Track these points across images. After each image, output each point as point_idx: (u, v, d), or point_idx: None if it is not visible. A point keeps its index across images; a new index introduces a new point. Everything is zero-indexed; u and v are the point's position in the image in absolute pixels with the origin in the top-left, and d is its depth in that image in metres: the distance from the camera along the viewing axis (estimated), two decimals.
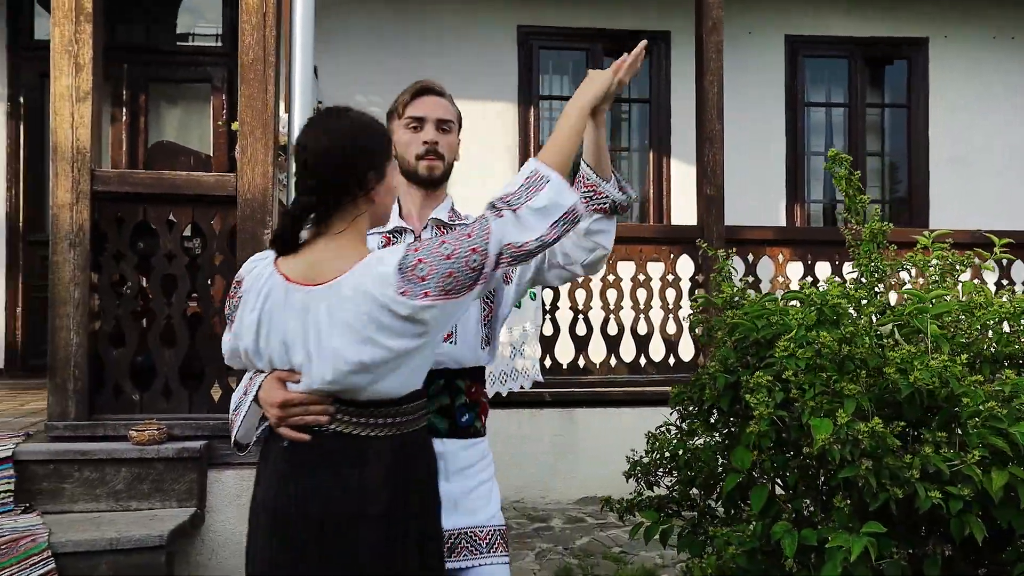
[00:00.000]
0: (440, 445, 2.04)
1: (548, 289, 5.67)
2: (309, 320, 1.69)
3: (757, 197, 7.11)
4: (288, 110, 3.71)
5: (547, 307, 5.65)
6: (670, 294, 5.71)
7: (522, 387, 5.61)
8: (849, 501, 1.83)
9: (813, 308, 1.89)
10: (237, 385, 1.90)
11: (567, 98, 7.14)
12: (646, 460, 2.72)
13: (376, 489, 1.71)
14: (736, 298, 2.39)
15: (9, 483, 3.28)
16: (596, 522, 5.23)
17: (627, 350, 5.67)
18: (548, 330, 5.66)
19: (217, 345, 2.15)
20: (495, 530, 2.11)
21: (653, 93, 7.27)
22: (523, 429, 5.57)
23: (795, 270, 5.89)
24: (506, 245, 1.73)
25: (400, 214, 2.15)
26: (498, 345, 2.29)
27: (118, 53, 6.51)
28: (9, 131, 6.57)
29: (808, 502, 2.04)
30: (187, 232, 3.82)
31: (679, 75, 7.10)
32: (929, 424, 1.96)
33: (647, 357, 5.65)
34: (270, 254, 1.81)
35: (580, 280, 5.67)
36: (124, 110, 6.64)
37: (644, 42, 2.08)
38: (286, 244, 1.76)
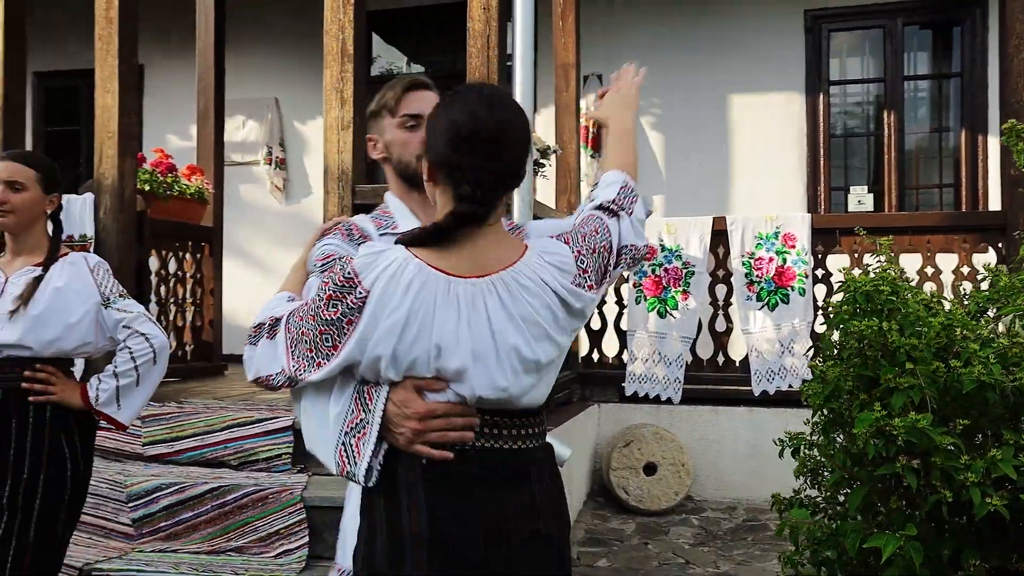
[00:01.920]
0: None
1: (821, 284, 5.41)
2: (477, 316, 1.49)
3: None
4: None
5: (818, 302, 5.39)
6: (966, 289, 5.14)
7: (790, 386, 5.41)
8: (905, 502, 1.70)
9: (848, 296, 1.77)
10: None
11: (862, 81, 6.72)
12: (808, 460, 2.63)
13: (545, 506, 1.57)
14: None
15: (288, 447, 4.00)
16: None
17: None
18: (821, 326, 5.39)
19: None
20: None
21: (965, 66, 6.53)
22: (789, 428, 5.36)
23: None
24: (628, 246, 1.68)
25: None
26: None
27: (435, 82, 7.39)
28: None
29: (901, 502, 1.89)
30: None
31: (996, 45, 6.30)
32: None
33: None
34: (389, 248, 1.54)
35: (857, 273, 5.32)
36: None
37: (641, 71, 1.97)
38: (441, 237, 1.53)
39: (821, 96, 6.72)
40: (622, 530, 4.94)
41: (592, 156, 6.92)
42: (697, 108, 6.88)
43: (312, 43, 7.89)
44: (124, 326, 2.66)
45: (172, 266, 5.83)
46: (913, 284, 5.14)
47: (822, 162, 6.73)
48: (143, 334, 2.67)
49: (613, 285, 5.74)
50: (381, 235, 1.85)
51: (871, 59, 6.83)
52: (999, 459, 1.61)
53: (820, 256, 5.44)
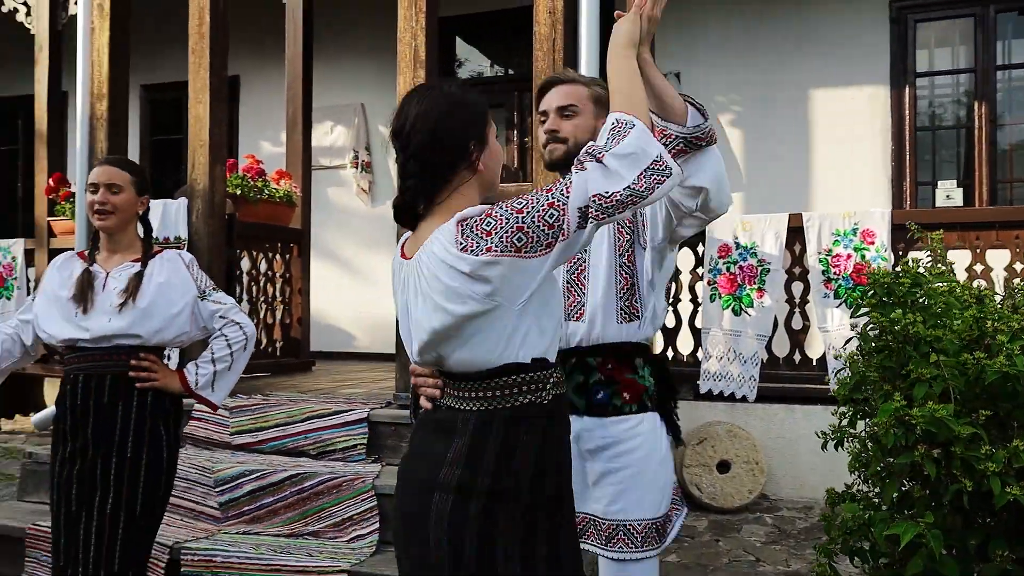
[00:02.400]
0: (578, 423, 2.13)
1: None
2: (410, 294, 1.70)
3: None
4: None
5: None
6: None
7: None
8: (928, 492, 1.71)
9: (871, 288, 1.78)
10: None
11: (951, 72, 6.52)
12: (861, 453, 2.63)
13: (452, 462, 1.65)
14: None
15: (363, 438, 4.18)
16: None
17: None
18: None
19: None
20: (618, 524, 2.15)
21: None
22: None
23: None
24: (593, 196, 1.58)
25: None
26: (654, 317, 2.25)
27: (515, 84, 7.56)
28: None
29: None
30: None
31: None
32: None
33: None
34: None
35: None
36: (515, 132, 7.65)
37: None
38: (405, 225, 1.77)
39: (907, 89, 6.55)
40: (694, 527, 4.95)
41: None
42: (777, 104, 6.79)
43: (395, 50, 8.16)
44: (220, 316, 2.89)
45: (263, 266, 6.13)
46: (1002, 280, 5.01)
47: (908, 157, 6.56)
48: (237, 323, 2.91)
49: (689, 283, 5.74)
50: None
51: (961, 49, 6.61)
52: (1022, 449, 1.61)
53: (901, 252, 5.32)
